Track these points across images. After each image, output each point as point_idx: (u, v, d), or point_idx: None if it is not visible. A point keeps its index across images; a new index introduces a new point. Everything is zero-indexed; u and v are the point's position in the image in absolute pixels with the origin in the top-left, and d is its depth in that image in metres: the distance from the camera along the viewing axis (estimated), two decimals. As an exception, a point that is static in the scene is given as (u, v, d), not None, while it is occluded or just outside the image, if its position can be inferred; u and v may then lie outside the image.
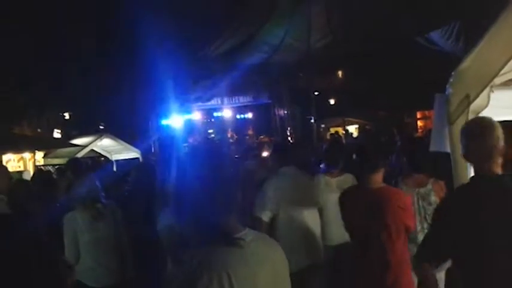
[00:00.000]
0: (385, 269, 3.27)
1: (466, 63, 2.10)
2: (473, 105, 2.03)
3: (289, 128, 15.62)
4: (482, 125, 2.25)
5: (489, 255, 2.16)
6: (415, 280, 3.23)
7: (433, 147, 2.24)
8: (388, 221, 3.21)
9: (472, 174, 2.08)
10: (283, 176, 4.36)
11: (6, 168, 4.86)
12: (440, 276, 3.93)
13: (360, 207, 3.41)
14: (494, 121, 2.32)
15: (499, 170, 2.28)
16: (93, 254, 4.04)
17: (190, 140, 14.23)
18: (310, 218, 4.28)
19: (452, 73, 2.12)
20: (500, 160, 2.26)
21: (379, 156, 3.98)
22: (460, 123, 2.04)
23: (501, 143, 2.22)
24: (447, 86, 2.15)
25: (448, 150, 2.14)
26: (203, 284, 1.31)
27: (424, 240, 2.68)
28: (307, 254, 4.19)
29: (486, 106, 2.04)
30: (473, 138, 2.22)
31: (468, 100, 2.02)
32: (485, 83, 2.02)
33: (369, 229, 3.34)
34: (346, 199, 3.48)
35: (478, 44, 2.08)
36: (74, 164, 6.19)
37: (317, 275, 4.18)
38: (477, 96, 2.01)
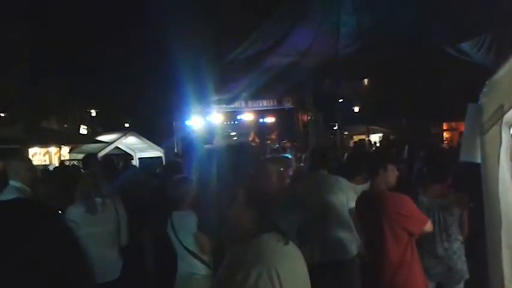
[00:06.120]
0: (382, 271, 3.43)
1: (501, 73, 2.06)
2: (507, 116, 1.99)
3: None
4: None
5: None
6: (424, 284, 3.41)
7: (463, 157, 2.20)
8: (383, 225, 3.36)
9: (504, 183, 2.03)
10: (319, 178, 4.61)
11: (31, 161, 4.94)
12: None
13: (363, 211, 3.81)
14: None
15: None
16: (88, 248, 4.05)
17: (214, 142, 14.31)
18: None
19: (486, 83, 2.09)
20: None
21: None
22: (492, 133, 2.00)
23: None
24: (480, 95, 2.12)
25: (479, 160, 2.10)
26: (253, 278, 1.28)
27: None
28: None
29: (520, 117, 2.00)
30: None
31: (502, 110, 1.98)
32: (521, 93, 1.97)
33: (369, 232, 3.55)
34: (357, 203, 3.89)
35: (514, 54, 2.04)
36: (87, 160, 6.34)
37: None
38: (511, 107, 1.97)
